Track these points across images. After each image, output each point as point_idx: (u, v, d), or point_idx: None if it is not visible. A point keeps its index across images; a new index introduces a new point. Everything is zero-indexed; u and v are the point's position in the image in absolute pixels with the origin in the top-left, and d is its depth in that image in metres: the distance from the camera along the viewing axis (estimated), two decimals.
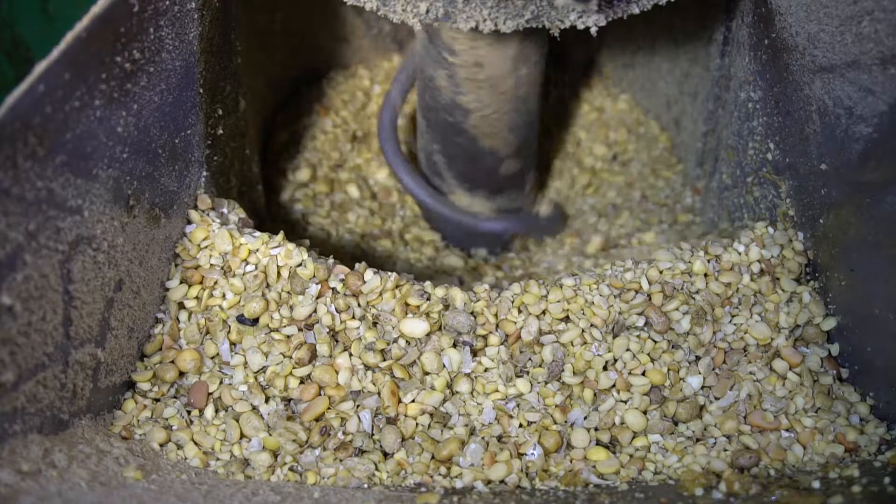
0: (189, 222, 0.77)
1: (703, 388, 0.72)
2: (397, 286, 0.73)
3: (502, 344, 0.73)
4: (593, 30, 0.73)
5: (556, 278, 0.77)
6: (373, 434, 0.69)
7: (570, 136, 1.19)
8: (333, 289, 0.73)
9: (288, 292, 0.73)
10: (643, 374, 0.71)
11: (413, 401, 0.70)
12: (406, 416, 0.70)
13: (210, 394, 0.71)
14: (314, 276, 0.73)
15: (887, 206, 0.65)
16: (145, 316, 0.72)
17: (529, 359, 0.73)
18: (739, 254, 0.76)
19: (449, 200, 1.02)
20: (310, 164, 1.13)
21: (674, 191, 1.08)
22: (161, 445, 0.67)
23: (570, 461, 0.69)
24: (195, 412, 0.70)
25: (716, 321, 0.73)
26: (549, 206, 1.07)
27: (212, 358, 0.72)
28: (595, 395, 0.71)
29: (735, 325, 0.73)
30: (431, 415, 0.70)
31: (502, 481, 0.67)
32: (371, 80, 1.24)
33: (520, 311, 0.73)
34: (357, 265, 0.75)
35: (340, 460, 0.67)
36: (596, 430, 0.70)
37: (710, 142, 0.98)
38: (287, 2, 1.09)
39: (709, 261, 0.75)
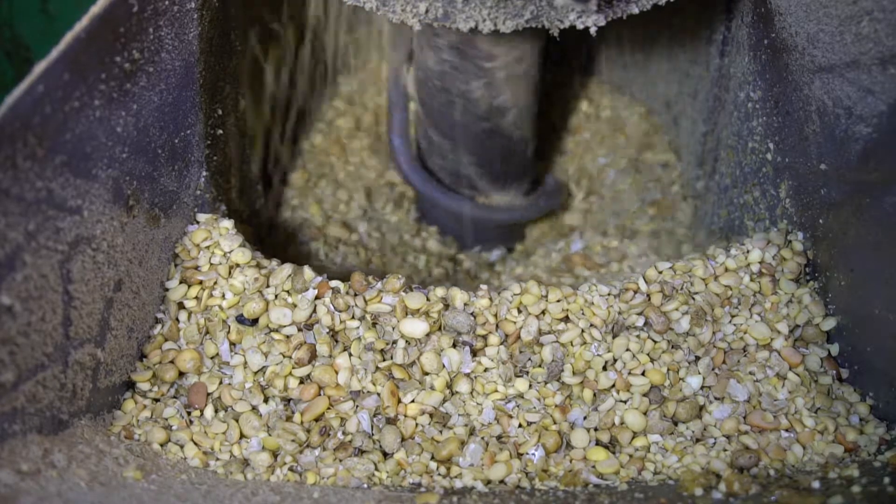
0: (195, 222, 0.77)
1: (702, 388, 0.72)
2: (400, 290, 0.73)
3: (502, 344, 0.73)
4: (593, 30, 0.73)
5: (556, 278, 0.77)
6: (372, 434, 0.69)
7: (566, 140, 1.18)
8: (334, 289, 0.73)
9: (288, 292, 0.73)
10: (643, 374, 0.71)
11: (413, 401, 0.70)
12: (406, 416, 0.70)
13: (210, 394, 0.71)
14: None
15: (887, 206, 0.65)
16: (145, 316, 0.72)
17: (529, 359, 0.73)
18: (738, 254, 0.76)
19: (483, 203, 1.04)
20: (310, 166, 1.13)
21: (671, 197, 1.08)
22: (161, 445, 0.67)
23: (570, 461, 0.69)
24: (195, 412, 0.70)
25: (715, 321, 0.73)
26: (551, 181, 1.08)
27: (211, 358, 0.72)
28: (595, 395, 0.71)
29: (735, 325, 0.73)
30: (431, 415, 0.70)
31: (502, 481, 0.67)
32: (370, 80, 1.24)
33: (519, 311, 0.73)
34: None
35: (340, 460, 0.68)
36: (596, 430, 0.70)
37: (709, 142, 0.98)
38: (287, 2, 1.09)
39: (708, 260, 0.75)
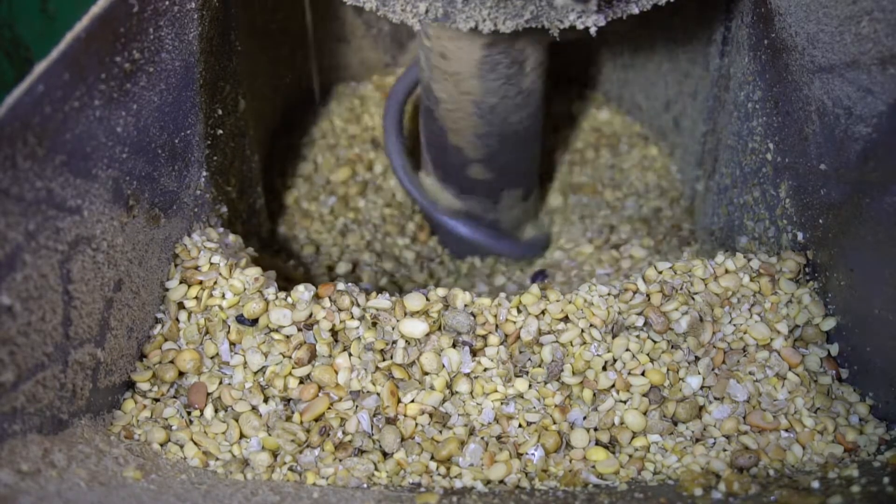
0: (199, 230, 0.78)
1: (702, 388, 0.72)
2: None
3: (502, 344, 0.73)
4: (593, 30, 0.73)
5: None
6: (372, 434, 0.69)
7: (564, 145, 1.18)
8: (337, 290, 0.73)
9: (287, 293, 0.73)
10: (642, 374, 0.71)
11: (412, 401, 0.70)
12: (405, 416, 0.70)
13: (209, 394, 0.71)
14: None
15: (887, 206, 0.65)
16: (145, 316, 0.72)
17: (529, 359, 0.73)
18: (738, 254, 0.76)
19: (420, 181, 1.04)
20: (310, 167, 1.13)
21: (670, 203, 1.08)
22: (161, 445, 0.67)
23: (570, 461, 0.69)
24: (195, 412, 0.70)
25: (715, 321, 0.73)
26: (534, 231, 1.07)
27: (211, 358, 0.72)
28: (594, 395, 0.71)
29: (734, 325, 0.73)
30: (431, 415, 0.70)
31: (502, 481, 0.67)
32: (371, 81, 1.24)
33: (519, 311, 0.73)
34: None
35: (340, 460, 0.68)
36: (595, 430, 0.70)
37: (709, 142, 0.98)
38: (287, 2, 1.09)
39: (708, 261, 0.75)
